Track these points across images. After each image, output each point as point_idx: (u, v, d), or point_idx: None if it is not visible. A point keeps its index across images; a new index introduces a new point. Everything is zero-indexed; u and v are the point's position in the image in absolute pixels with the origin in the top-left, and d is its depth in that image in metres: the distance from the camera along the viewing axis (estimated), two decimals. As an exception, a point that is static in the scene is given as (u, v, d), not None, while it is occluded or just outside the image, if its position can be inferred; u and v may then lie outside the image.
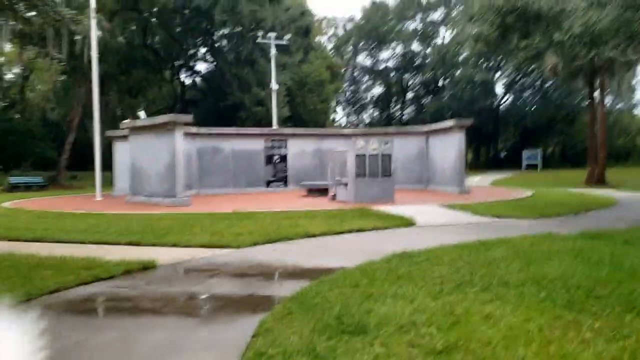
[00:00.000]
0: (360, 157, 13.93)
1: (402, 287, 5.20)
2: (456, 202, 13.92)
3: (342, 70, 48.53)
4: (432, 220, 10.86)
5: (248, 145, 20.71)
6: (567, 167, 45.33)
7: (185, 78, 48.42)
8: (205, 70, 46.96)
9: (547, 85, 45.84)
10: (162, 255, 7.20)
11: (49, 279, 5.71)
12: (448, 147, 18.13)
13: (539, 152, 43.69)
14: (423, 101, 53.11)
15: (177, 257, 7.18)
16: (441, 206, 13.22)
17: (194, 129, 19.84)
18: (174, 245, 8.15)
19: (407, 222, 10.38)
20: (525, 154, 43.46)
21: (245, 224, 10.12)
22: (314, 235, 8.89)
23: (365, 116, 56.35)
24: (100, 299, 5.34)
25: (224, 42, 39.89)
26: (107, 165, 26.57)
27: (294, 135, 21.55)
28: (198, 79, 48.05)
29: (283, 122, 31.29)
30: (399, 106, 56.23)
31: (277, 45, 26.84)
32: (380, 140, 14.17)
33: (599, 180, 26.40)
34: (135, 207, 14.75)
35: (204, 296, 5.29)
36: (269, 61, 28.33)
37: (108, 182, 27.51)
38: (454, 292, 5.03)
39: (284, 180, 21.20)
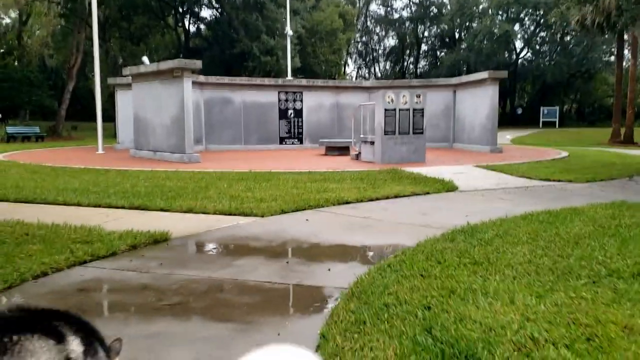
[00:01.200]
0: (389, 112, 12.55)
1: (487, 278, 4.00)
2: (493, 163, 12.63)
3: (355, 18, 46.24)
4: (476, 183, 9.62)
5: (260, 97, 19.26)
6: (584, 125, 43.79)
7: (190, 25, 46.33)
8: (211, 17, 44.80)
9: (567, 39, 43.72)
10: (175, 224, 6.00)
11: (34, 258, 4.52)
12: (479, 101, 16.69)
13: (557, 110, 42.06)
14: (439, 54, 50.95)
15: (193, 228, 5.98)
16: (478, 167, 11.94)
17: (201, 78, 18.38)
18: (189, 210, 6.94)
19: (449, 187, 9.13)
20: (543, 111, 41.81)
21: (266, 187, 8.89)
22: (347, 202, 7.68)
23: (378, 70, 54.33)
24: (98, 289, 4.14)
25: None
26: (110, 116, 25.23)
27: (310, 87, 20.04)
28: (203, 27, 45.92)
29: (293, 73, 29.65)
30: (412, 59, 54.07)
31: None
32: (411, 93, 12.74)
33: (628, 140, 24.98)
34: (139, 163, 13.51)
35: (233, 286, 4.08)
36: (279, 6, 26.55)
37: (111, 135, 26.23)
38: (558, 287, 3.83)
39: (299, 137, 19.85)
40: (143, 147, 15.35)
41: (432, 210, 7.12)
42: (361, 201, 7.85)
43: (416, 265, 4.28)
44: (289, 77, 22.46)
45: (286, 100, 19.55)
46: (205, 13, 45.09)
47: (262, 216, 6.69)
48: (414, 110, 12.75)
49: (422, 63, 53.52)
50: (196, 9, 44.32)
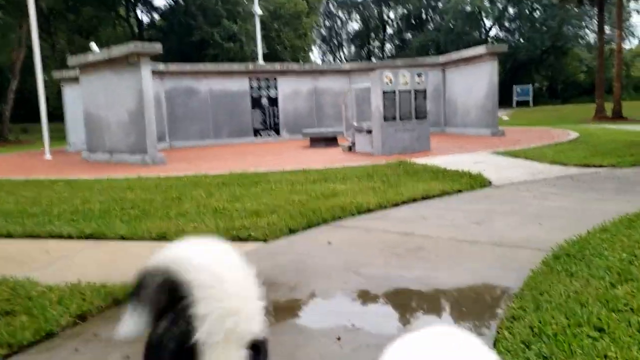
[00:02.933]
0: (388, 95, 10.76)
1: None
2: (508, 149, 11.04)
3: (318, 2, 44.20)
4: (508, 175, 7.98)
5: (230, 85, 17.20)
6: (557, 103, 43.08)
7: (143, 15, 43.48)
8: (165, 7, 42.01)
9: (536, 14, 42.75)
10: (144, 261, 4.07)
11: None
12: (475, 80, 15.08)
13: (530, 88, 41.16)
14: (405, 36, 49.40)
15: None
16: (496, 154, 10.31)
17: (160, 67, 16.20)
18: (160, 237, 5.02)
19: (480, 181, 7.45)
20: (516, 89, 40.83)
21: (257, 194, 7.01)
22: (369, 209, 5.93)
23: (343, 55, 52.42)
24: None
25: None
26: (60, 115, 22.68)
27: (285, 72, 18.05)
28: (157, 17, 43.10)
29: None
30: (378, 43, 52.39)
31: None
32: (412, 73, 10.98)
33: (616, 115, 23.94)
34: (93, 169, 11.39)
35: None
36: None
37: (62, 136, 23.66)
38: None
39: (276, 128, 17.90)
40: (97, 149, 13.19)
41: (485, 217, 5.40)
42: (385, 207, 6.08)
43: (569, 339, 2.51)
44: (261, 61, 20.40)
45: (259, 88, 17.56)
46: (159, 1, 42.31)
47: (265, 240, 4.85)
48: (416, 91, 11.00)
49: (389, 46, 52.00)
50: (148, -2, 41.52)
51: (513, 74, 44.45)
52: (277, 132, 17.89)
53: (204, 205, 6.41)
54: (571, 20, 39.42)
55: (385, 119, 10.77)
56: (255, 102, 17.52)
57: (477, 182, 7.42)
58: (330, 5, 51.52)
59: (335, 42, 53.31)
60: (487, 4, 41.05)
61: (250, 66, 17.59)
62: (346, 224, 5.37)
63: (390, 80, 10.72)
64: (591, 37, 41.76)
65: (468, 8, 40.27)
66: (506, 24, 44.20)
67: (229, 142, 16.97)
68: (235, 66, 17.46)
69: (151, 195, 7.44)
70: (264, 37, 32.06)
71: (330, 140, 13.96)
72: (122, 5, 41.57)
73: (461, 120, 16.06)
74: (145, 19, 43.75)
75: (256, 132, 17.60)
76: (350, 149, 12.07)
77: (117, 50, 11.97)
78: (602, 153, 9.79)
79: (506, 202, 6.12)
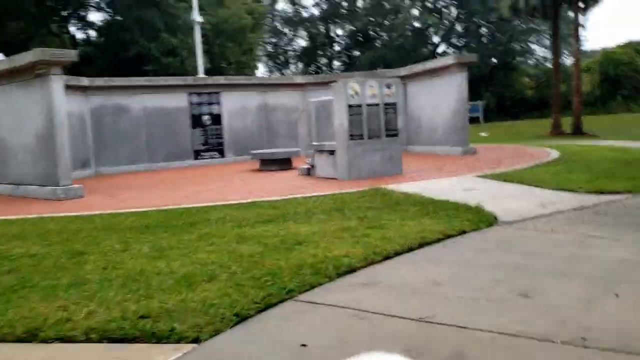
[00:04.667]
0: (354, 109, 9.04)
1: None
2: (494, 170, 9.52)
3: (263, 17, 42.51)
4: (513, 206, 6.38)
5: (166, 101, 15.09)
6: (507, 119, 42.93)
7: (77, 31, 40.43)
8: (102, 22, 39.21)
9: (485, 30, 42.63)
10: None
11: None
12: (442, 94, 13.64)
13: (480, 104, 40.73)
14: (353, 53, 48.32)
15: None
16: (483, 177, 8.75)
17: (84, 81, 13.95)
18: (29, 336, 3.10)
19: (485, 217, 5.82)
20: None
21: (190, 245, 5.11)
22: (351, 269, 4.15)
23: (290, 72, 50.66)
24: None
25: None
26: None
27: (229, 86, 16.07)
28: (93, 33, 40.19)
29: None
30: (325, 60, 51.11)
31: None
32: (380, 84, 9.31)
33: (577, 131, 23.21)
34: (-11, 205, 9.08)
35: None
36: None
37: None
38: None
39: (219, 149, 15.86)
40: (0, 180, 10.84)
41: (527, 281, 3.72)
42: (373, 262, 4.33)
43: None
44: (202, 74, 18.33)
45: (199, 104, 15.51)
46: (94, 17, 39.49)
47: (197, 339, 2.97)
48: (386, 105, 9.33)
49: (337, 63, 50.71)
50: (82, 12, 38.61)
51: (462, 90, 44.06)
52: (222, 153, 15.86)
53: (114, 266, 4.46)
54: (519, 35, 39.37)
55: (352, 137, 9.04)
56: (196, 120, 15.46)
57: (481, 218, 5.77)
58: (276, 22, 49.94)
59: (282, 58, 51.65)
60: (435, 19, 40.57)
61: (190, 80, 15.56)
62: (324, 298, 3.55)
63: (356, 92, 9.02)
64: (539, 52, 41.98)
65: (417, 24, 39.62)
66: (453, 40, 43.90)
67: (165, 167, 14.83)
68: (173, 80, 15.37)
69: (45, 247, 5.37)
70: (206, 52, 30.05)
71: (283, 163, 12.12)
72: (54, 21, 38.52)
73: (427, 138, 14.58)
74: (80, 35, 40.75)
75: (197, 154, 15.52)
76: (309, 172, 10.27)
77: (22, 59, 9.75)
78: (605, 176, 8.37)
79: (541, 253, 4.45)
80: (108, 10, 36.52)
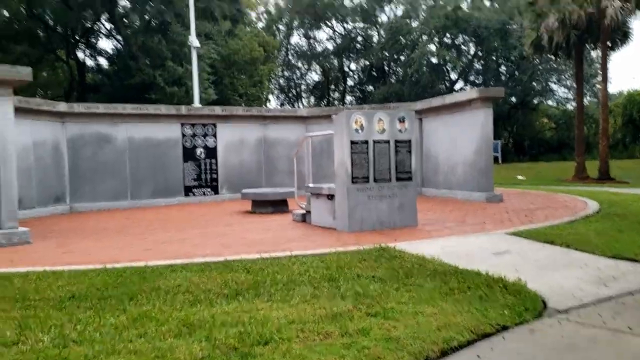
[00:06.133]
0: (358, 147, 7.50)
1: None
2: (528, 226, 7.86)
3: (276, 50, 41.65)
4: (562, 283, 4.75)
5: (156, 132, 13.68)
6: (525, 160, 41.23)
7: (86, 58, 39.77)
8: (112, 50, 38.56)
9: (504, 69, 41.31)
10: None
11: None
12: (462, 131, 12.08)
13: (499, 144, 39.15)
14: (366, 88, 47.17)
15: None
16: (516, 235, 7.08)
17: (61, 106, 12.60)
18: None
19: (529, 302, 4.19)
20: (484, 145, 38.73)
21: (110, 339, 3.49)
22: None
23: (302, 106, 49.55)
24: None
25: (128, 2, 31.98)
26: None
27: (226, 117, 14.64)
28: (103, 60, 39.52)
29: (208, 105, 24.09)
30: (338, 94, 50.00)
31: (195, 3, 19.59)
32: (391, 116, 7.79)
33: (604, 176, 21.44)
34: None
35: None
36: (187, 27, 21.32)
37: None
38: None
39: (213, 186, 14.35)
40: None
41: None
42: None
43: None
44: (197, 103, 16.96)
45: (193, 136, 14.08)
46: (104, 44, 38.88)
47: None
48: (397, 142, 7.78)
49: (349, 98, 49.60)
50: (92, 39, 37.99)
51: (479, 129, 42.57)
52: (215, 190, 14.34)
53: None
54: (540, 75, 37.95)
55: (354, 180, 7.47)
56: (189, 154, 14.00)
57: (524, 302, 4.13)
58: (290, 56, 49.15)
59: (294, 92, 50.68)
60: (454, 54, 39.38)
61: (183, 109, 14.17)
62: None
63: (362, 126, 7.48)
64: (560, 91, 40.48)
65: (434, 60, 38.36)
66: (471, 77, 42.60)
67: (150, 204, 13.32)
68: (164, 108, 13.99)
69: None
70: (215, 83, 28.98)
71: (278, 204, 10.56)
72: (63, 47, 37.94)
73: (444, 181, 12.96)
74: (89, 62, 40.09)
75: (188, 191, 14.00)
76: (305, 218, 8.68)
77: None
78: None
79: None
80: (117, 37, 35.86)
